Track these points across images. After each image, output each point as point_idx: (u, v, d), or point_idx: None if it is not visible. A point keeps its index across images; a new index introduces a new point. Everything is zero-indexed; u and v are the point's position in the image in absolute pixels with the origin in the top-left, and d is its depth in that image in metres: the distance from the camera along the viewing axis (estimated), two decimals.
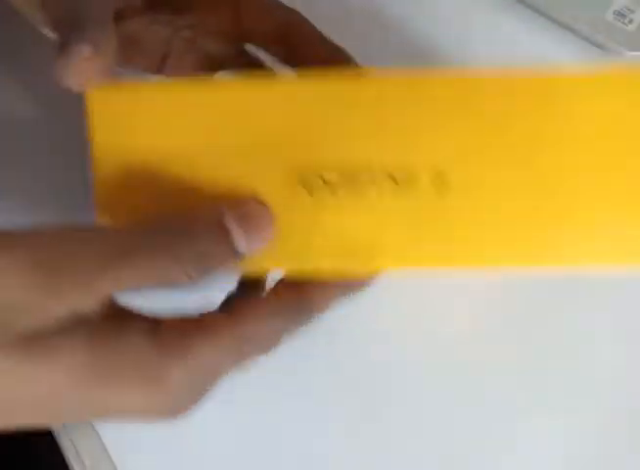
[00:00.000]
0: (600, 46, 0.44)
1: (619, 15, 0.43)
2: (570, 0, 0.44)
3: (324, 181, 0.28)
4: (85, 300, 0.24)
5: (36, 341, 0.24)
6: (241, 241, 0.27)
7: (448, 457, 0.38)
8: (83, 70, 0.29)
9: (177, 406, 0.26)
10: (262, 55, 0.38)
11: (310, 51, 0.35)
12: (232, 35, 0.37)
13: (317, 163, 0.28)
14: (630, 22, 0.43)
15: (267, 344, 0.28)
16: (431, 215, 0.28)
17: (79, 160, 0.37)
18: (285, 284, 0.29)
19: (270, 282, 0.29)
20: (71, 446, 0.40)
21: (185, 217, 0.27)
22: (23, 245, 0.24)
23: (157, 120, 0.29)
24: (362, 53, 0.42)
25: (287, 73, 0.35)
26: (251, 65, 0.38)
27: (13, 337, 0.23)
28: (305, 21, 0.36)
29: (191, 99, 0.29)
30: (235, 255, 0.27)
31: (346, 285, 0.29)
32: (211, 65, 0.38)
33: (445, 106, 0.28)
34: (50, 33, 0.32)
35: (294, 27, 0.36)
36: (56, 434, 0.41)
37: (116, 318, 0.26)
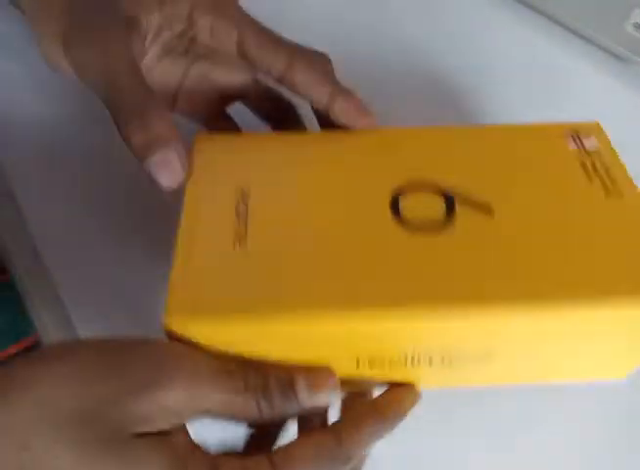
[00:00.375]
0: (619, 57, 0.44)
1: (638, 26, 0.44)
2: (589, 12, 0.46)
3: None
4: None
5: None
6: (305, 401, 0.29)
7: None
8: (175, 169, 0.32)
9: None
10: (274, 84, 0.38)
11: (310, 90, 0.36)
12: (243, 65, 0.39)
13: None
14: None
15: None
16: None
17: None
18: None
19: None
20: None
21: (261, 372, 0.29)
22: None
23: None
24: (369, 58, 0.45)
25: None
26: (264, 95, 0.40)
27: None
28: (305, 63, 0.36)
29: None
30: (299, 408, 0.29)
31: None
32: (224, 97, 0.40)
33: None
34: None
35: (294, 68, 0.36)
36: None
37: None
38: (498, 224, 0.31)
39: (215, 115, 0.40)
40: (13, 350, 0.52)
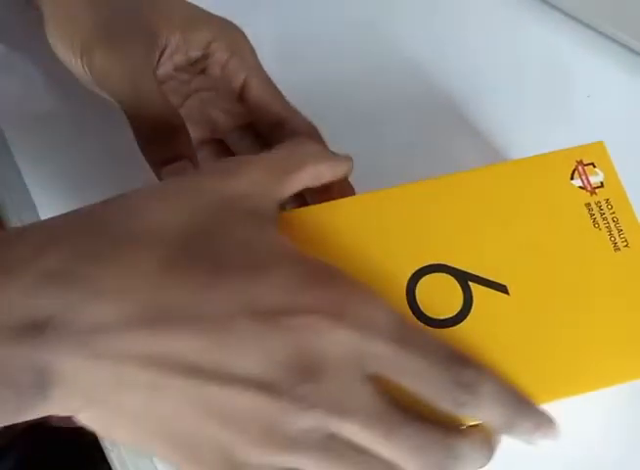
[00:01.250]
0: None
1: None
2: (611, 10, 0.45)
3: None
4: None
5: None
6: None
7: None
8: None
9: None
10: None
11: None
12: (239, 109, 0.39)
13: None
14: None
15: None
16: None
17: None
18: None
19: None
20: None
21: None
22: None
23: None
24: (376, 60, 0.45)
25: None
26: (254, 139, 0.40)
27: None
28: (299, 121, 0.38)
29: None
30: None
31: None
32: (215, 130, 0.40)
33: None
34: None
35: (285, 124, 0.38)
36: None
37: None
38: (514, 302, 0.31)
39: (202, 141, 0.40)
40: None
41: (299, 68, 0.44)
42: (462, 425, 0.29)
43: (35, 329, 0.24)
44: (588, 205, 0.33)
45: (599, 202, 0.33)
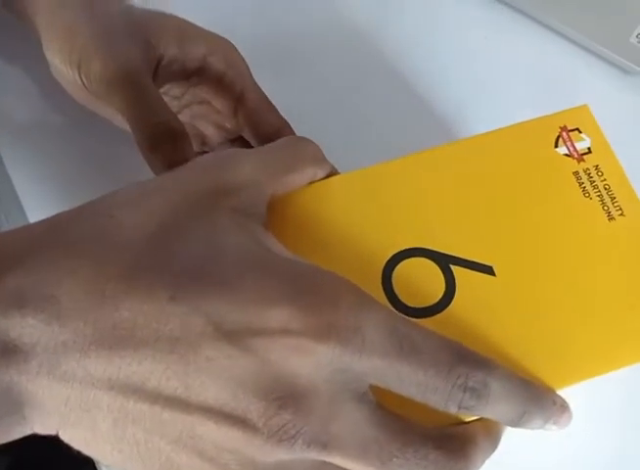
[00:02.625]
0: (623, 68, 0.47)
1: None
2: (594, 24, 0.47)
3: None
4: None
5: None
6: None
7: None
8: None
9: None
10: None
11: None
12: (231, 123, 0.40)
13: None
14: None
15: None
16: None
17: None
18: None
19: None
20: None
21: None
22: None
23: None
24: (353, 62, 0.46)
25: None
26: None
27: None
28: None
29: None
30: None
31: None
32: (206, 148, 0.41)
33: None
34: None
35: (280, 135, 0.38)
36: None
37: None
38: (502, 284, 0.29)
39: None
40: None
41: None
42: (464, 421, 0.27)
43: (2, 351, 0.23)
44: (576, 173, 0.30)
45: (588, 169, 0.30)
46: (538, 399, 0.27)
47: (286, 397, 0.23)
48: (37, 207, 0.42)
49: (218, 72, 0.39)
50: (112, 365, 0.23)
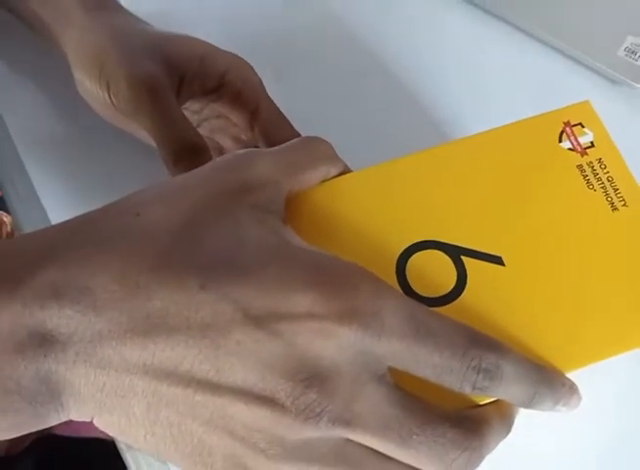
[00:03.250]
0: (611, 79, 0.49)
1: (630, 51, 0.49)
2: (584, 37, 0.49)
3: None
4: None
5: None
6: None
7: None
8: None
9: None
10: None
11: None
12: (247, 135, 0.42)
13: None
14: None
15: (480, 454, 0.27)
16: None
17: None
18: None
19: None
20: None
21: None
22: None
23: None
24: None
25: None
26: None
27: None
28: None
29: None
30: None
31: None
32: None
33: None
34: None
35: None
36: None
37: None
38: (511, 273, 0.30)
39: None
40: None
41: None
42: (480, 403, 0.28)
43: (40, 341, 0.24)
44: (580, 166, 0.32)
45: (591, 162, 0.32)
46: (548, 380, 0.28)
47: (311, 377, 0.24)
48: (59, 209, 0.44)
49: (235, 90, 0.41)
50: (146, 351, 0.24)
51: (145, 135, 0.38)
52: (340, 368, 0.25)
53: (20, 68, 0.49)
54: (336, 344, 0.25)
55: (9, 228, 0.72)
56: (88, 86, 0.40)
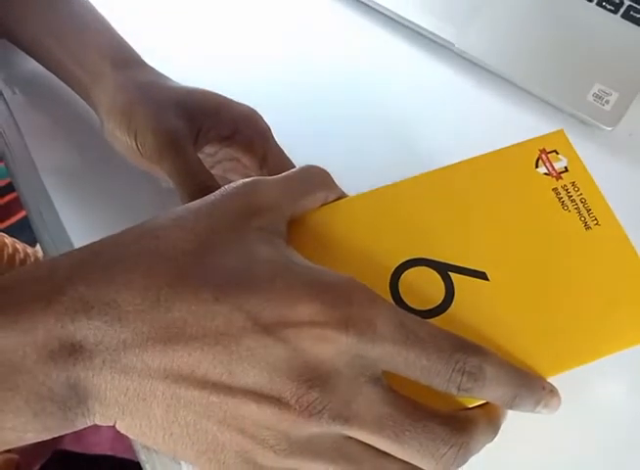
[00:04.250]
0: (582, 121, 0.53)
1: (598, 97, 0.52)
2: (556, 84, 0.54)
3: None
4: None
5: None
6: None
7: None
8: None
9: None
10: None
11: None
12: (257, 175, 0.44)
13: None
14: (607, 102, 0.52)
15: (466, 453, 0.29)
16: None
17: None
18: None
19: None
20: None
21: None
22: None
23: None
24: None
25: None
26: None
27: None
28: None
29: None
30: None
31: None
32: None
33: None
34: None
35: None
36: None
37: None
38: (495, 286, 0.33)
39: None
40: None
41: None
42: (468, 406, 0.31)
43: (70, 350, 0.27)
44: (555, 189, 0.35)
45: (565, 185, 0.35)
46: (528, 383, 0.31)
47: (314, 378, 0.27)
48: (82, 234, 0.48)
49: (246, 138, 0.45)
50: (166, 358, 0.27)
51: (166, 178, 0.42)
52: (339, 370, 0.28)
53: (44, 101, 0.53)
54: (335, 348, 0.27)
55: (10, 250, 0.73)
56: (118, 135, 0.44)
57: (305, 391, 0.27)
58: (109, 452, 0.68)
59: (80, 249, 0.30)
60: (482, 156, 0.36)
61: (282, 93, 0.54)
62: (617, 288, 0.33)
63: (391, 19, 0.57)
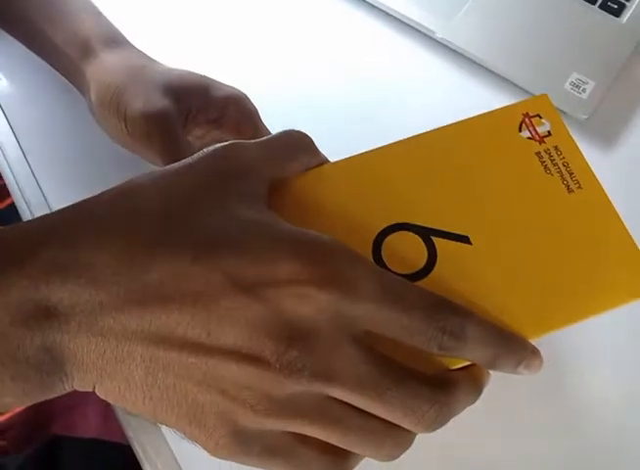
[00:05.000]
0: (560, 110, 0.52)
1: (575, 85, 0.54)
2: (534, 73, 0.55)
3: None
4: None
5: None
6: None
7: None
8: None
9: None
10: None
11: None
12: None
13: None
14: (584, 90, 0.54)
15: (446, 415, 0.29)
16: None
17: None
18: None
19: None
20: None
21: None
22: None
23: None
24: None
25: None
26: None
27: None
28: None
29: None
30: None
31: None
32: None
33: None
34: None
35: None
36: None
37: None
38: (478, 250, 0.33)
39: None
40: None
41: None
42: (451, 367, 0.30)
43: (45, 314, 0.26)
44: (538, 153, 0.35)
45: (548, 149, 0.35)
46: (510, 342, 0.31)
47: (293, 337, 0.27)
48: None
49: (234, 119, 0.46)
50: (143, 319, 0.27)
51: (152, 159, 0.42)
52: (319, 329, 0.27)
53: (32, 87, 0.54)
54: (315, 306, 0.27)
55: None
56: (107, 116, 0.44)
57: (285, 349, 0.27)
58: (99, 436, 0.65)
59: (55, 212, 0.29)
60: (466, 120, 0.36)
61: (266, 79, 0.55)
62: (599, 250, 0.33)
63: (379, 9, 0.58)
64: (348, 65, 0.56)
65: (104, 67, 0.45)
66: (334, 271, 0.28)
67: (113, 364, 0.27)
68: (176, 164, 0.31)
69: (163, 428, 0.43)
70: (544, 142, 0.35)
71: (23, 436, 0.62)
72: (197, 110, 0.45)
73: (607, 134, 0.54)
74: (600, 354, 0.45)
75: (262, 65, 0.56)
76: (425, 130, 0.35)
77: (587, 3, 0.57)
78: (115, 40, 0.47)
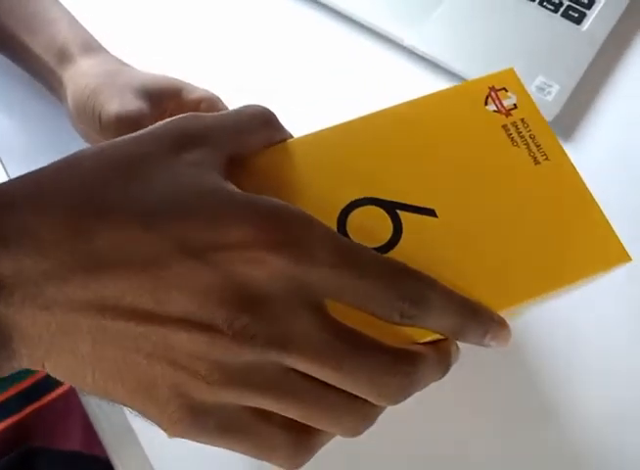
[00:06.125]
0: None
1: (540, 89, 0.54)
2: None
3: None
4: None
5: None
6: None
7: None
8: None
9: None
10: None
11: None
12: None
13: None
14: (549, 93, 0.54)
15: (410, 388, 0.28)
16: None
17: None
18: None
19: None
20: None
21: None
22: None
23: None
24: None
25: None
26: None
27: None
28: None
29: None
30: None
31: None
32: None
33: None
34: None
35: None
36: None
37: None
38: (444, 223, 0.32)
39: None
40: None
41: None
42: (418, 340, 0.29)
43: None
44: (505, 126, 0.34)
45: (515, 122, 0.34)
46: (475, 312, 0.30)
47: (246, 303, 0.26)
48: None
49: None
50: (89, 289, 0.25)
51: None
52: (273, 295, 0.26)
53: (9, 94, 0.54)
54: (268, 271, 0.26)
55: None
56: (83, 118, 0.45)
57: (236, 315, 0.25)
58: (78, 449, 0.64)
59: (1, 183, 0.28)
60: (431, 94, 0.35)
61: (237, 86, 0.54)
62: (566, 221, 0.32)
63: (347, 17, 0.59)
64: (318, 72, 0.57)
65: (81, 71, 0.46)
66: (287, 235, 0.27)
67: (58, 337, 0.26)
68: (127, 136, 0.30)
69: (144, 443, 0.42)
70: (510, 115, 0.34)
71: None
72: (171, 111, 0.45)
73: (571, 135, 0.56)
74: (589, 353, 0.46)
75: (232, 69, 0.56)
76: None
77: (551, 12, 0.59)
78: (91, 46, 0.48)
